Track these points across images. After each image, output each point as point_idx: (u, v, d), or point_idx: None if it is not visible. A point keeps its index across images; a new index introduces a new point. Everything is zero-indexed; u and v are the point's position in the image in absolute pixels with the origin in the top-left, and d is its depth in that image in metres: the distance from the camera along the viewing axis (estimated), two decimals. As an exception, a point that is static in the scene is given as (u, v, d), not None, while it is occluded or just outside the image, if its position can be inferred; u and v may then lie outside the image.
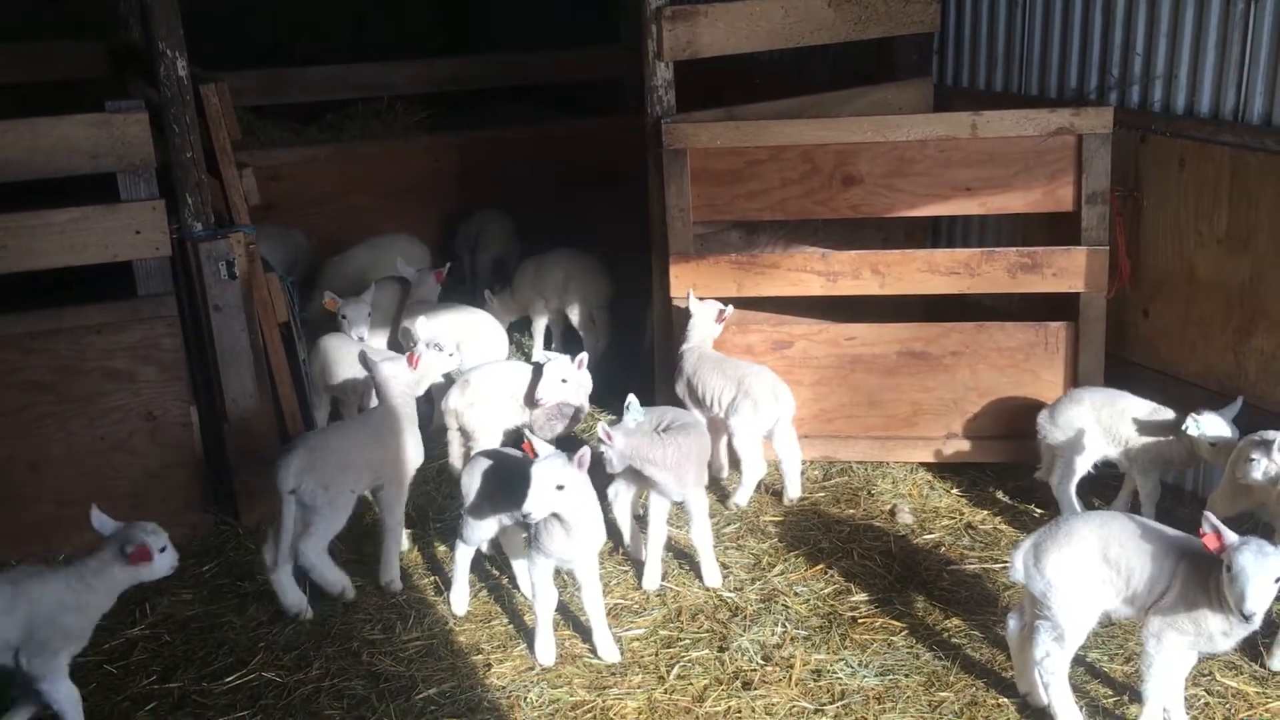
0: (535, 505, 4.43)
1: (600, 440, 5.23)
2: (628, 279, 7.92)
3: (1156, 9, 5.90)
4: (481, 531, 5.10)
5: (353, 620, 5.18)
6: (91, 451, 5.64)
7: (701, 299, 6.34)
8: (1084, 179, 6.04)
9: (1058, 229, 6.29)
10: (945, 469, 6.47)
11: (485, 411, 5.98)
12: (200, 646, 5.04)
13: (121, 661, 4.95)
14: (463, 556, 5.19)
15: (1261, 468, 4.76)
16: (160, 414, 5.73)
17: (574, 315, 8.08)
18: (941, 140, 6.18)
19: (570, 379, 5.95)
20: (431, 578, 5.56)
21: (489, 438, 5.95)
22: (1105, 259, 6.07)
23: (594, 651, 4.85)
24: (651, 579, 5.36)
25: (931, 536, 5.82)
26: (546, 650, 4.82)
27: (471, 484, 5.02)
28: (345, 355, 6.53)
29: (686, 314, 6.36)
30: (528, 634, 5.02)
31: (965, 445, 6.47)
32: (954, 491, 6.30)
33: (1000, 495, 6.23)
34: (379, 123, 10.07)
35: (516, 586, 5.40)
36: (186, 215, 5.66)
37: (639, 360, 7.60)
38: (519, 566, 5.31)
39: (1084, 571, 4.16)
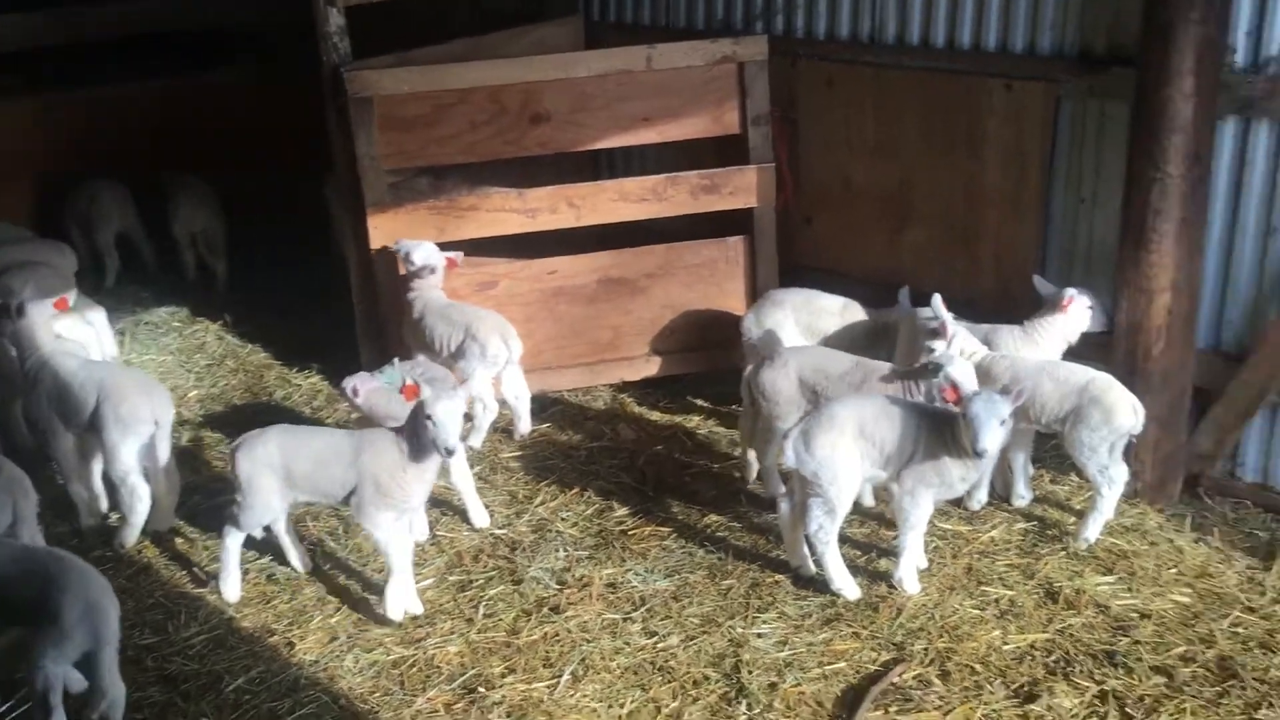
0: (455, 438, 4.41)
1: (345, 390, 5.18)
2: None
3: (794, -57, 6.51)
4: (267, 516, 4.85)
5: (115, 629, 4.76)
6: None
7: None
8: (747, 103, 6.60)
9: (723, 154, 6.80)
10: (649, 385, 6.91)
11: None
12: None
13: None
14: (235, 543, 4.92)
15: (939, 354, 5.43)
16: None
17: None
18: (619, 74, 6.49)
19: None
20: (179, 570, 5.21)
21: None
22: (773, 175, 6.69)
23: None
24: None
25: (659, 448, 6.23)
26: (396, 607, 4.75)
27: (253, 473, 4.74)
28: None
29: (407, 265, 6.23)
30: (314, 605, 4.89)
31: (665, 361, 6.94)
32: (662, 404, 6.75)
33: (702, 402, 6.75)
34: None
35: (282, 562, 5.18)
36: None
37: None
38: (380, 531, 4.77)
39: (846, 449, 4.71)
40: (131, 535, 5.36)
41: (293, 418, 6.65)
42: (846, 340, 6.06)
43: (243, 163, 9.09)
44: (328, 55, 6.28)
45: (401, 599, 4.75)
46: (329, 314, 7.84)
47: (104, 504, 5.63)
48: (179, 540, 5.45)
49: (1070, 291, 5.43)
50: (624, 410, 6.67)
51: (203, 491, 5.84)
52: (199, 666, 4.54)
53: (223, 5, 9.96)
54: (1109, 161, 5.56)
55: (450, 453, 4.45)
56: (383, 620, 4.76)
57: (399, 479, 4.59)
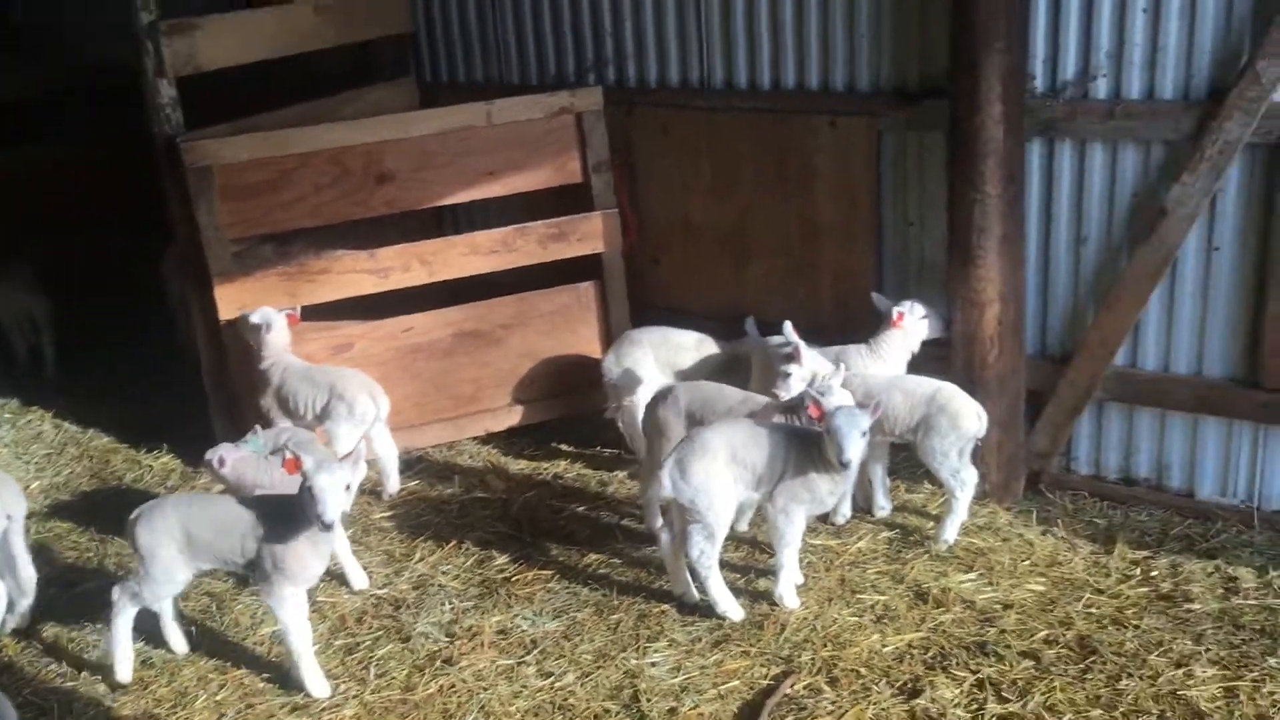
0: (334, 513, 4.29)
1: (211, 463, 5.10)
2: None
3: (616, -5, 6.74)
4: (171, 588, 4.69)
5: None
6: None
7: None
8: (588, 151, 6.79)
9: (562, 203, 6.96)
10: (513, 434, 6.97)
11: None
12: None
13: None
14: (126, 622, 4.75)
15: (797, 377, 5.65)
16: None
17: None
18: (461, 130, 6.60)
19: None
20: (45, 664, 4.99)
21: None
22: (617, 220, 6.88)
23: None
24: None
25: (530, 495, 6.29)
26: (318, 682, 4.66)
27: (155, 546, 4.59)
28: None
29: (249, 332, 6.16)
30: (195, 685, 4.77)
31: (527, 409, 7.02)
32: (527, 452, 6.82)
33: (566, 446, 6.86)
34: None
35: (156, 646, 5.02)
36: None
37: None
38: (283, 610, 4.63)
39: (720, 473, 4.89)
40: None
41: (147, 499, 6.42)
42: (704, 373, 6.27)
43: (63, 241, 8.80)
44: (159, 127, 6.19)
45: (318, 674, 4.69)
46: (171, 392, 7.65)
47: None
48: (43, 636, 5.21)
49: (901, 307, 5.78)
50: (491, 461, 6.71)
51: (58, 584, 5.60)
52: (81, 765, 4.36)
53: (30, 77, 9.63)
54: (930, 187, 5.95)
55: (327, 527, 4.32)
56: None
57: (295, 551, 4.51)
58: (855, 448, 4.67)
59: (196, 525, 4.63)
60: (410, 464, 6.65)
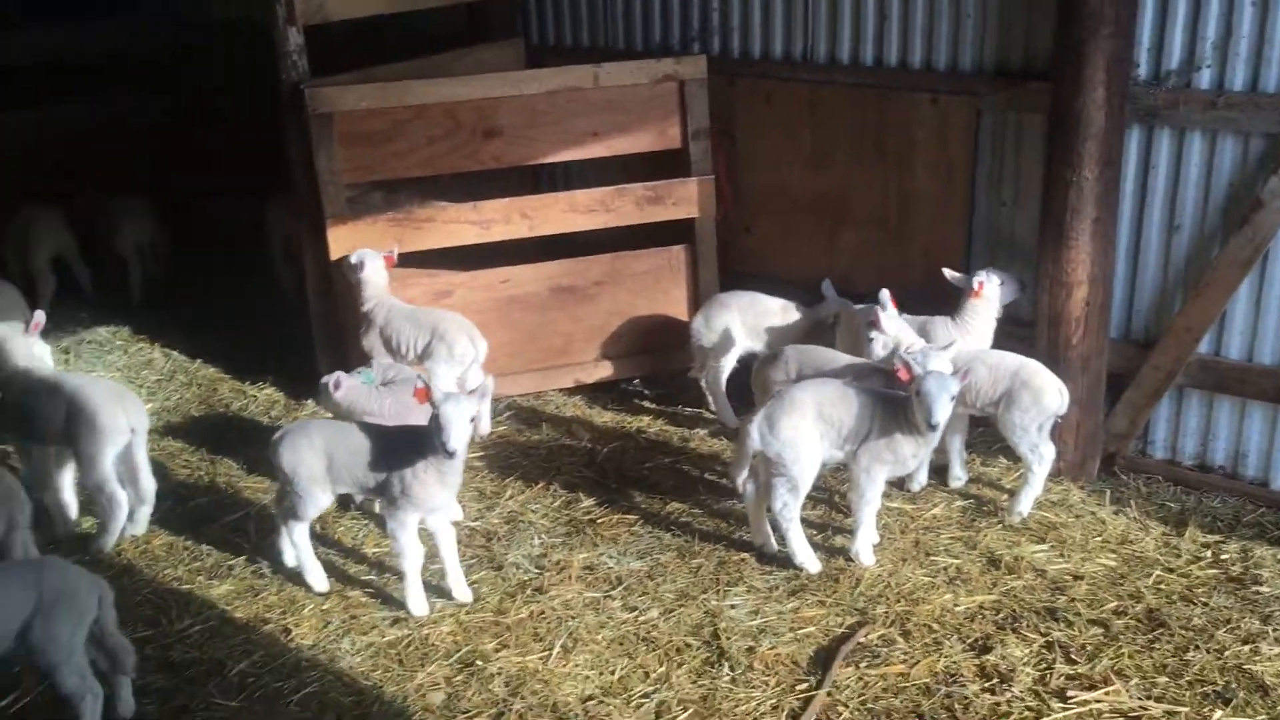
0: (460, 441, 4.50)
1: (327, 385, 5.37)
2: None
3: (728, -33, 6.93)
4: (314, 508, 4.98)
5: (108, 624, 4.88)
6: None
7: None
8: (689, 119, 6.98)
9: (656, 168, 7.16)
10: (599, 388, 7.21)
11: None
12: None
13: None
14: (303, 534, 5.05)
15: (880, 343, 5.88)
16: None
17: None
18: (569, 91, 6.83)
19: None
20: (162, 569, 5.33)
21: None
22: (712, 187, 7.08)
23: (450, 596, 5.03)
24: None
25: (615, 445, 6.53)
26: (420, 602, 4.92)
27: (297, 463, 4.89)
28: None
29: (349, 271, 6.44)
30: (304, 595, 5.08)
31: (613, 365, 7.26)
32: (610, 408, 7.05)
33: (649, 403, 7.08)
34: None
35: (267, 559, 5.35)
36: None
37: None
38: (403, 532, 4.92)
39: (808, 430, 5.09)
40: (109, 541, 5.45)
41: (251, 429, 6.79)
42: (789, 338, 6.46)
43: (173, 186, 9.22)
44: (287, 73, 6.48)
45: (421, 595, 4.96)
46: (272, 330, 7.99)
47: (74, 513, 5.70)
48: (156, 543, 5.56)
49: (978, 276, 5.92)
50: (577, 412, 6.96)
51: (171, 498, 5.95)
52: (199, 654, 4.69)
53: (144, 34, 10.04)
54: (1026, 168, 6.07)
55: (451, 454, 4.56)
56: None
57: (421, 478, 4.74)
58: (943, 411, 4.84)
59: (336, 448, 4.89)
60: (500, 409, 6.92)
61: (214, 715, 4.35)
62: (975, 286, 5.90)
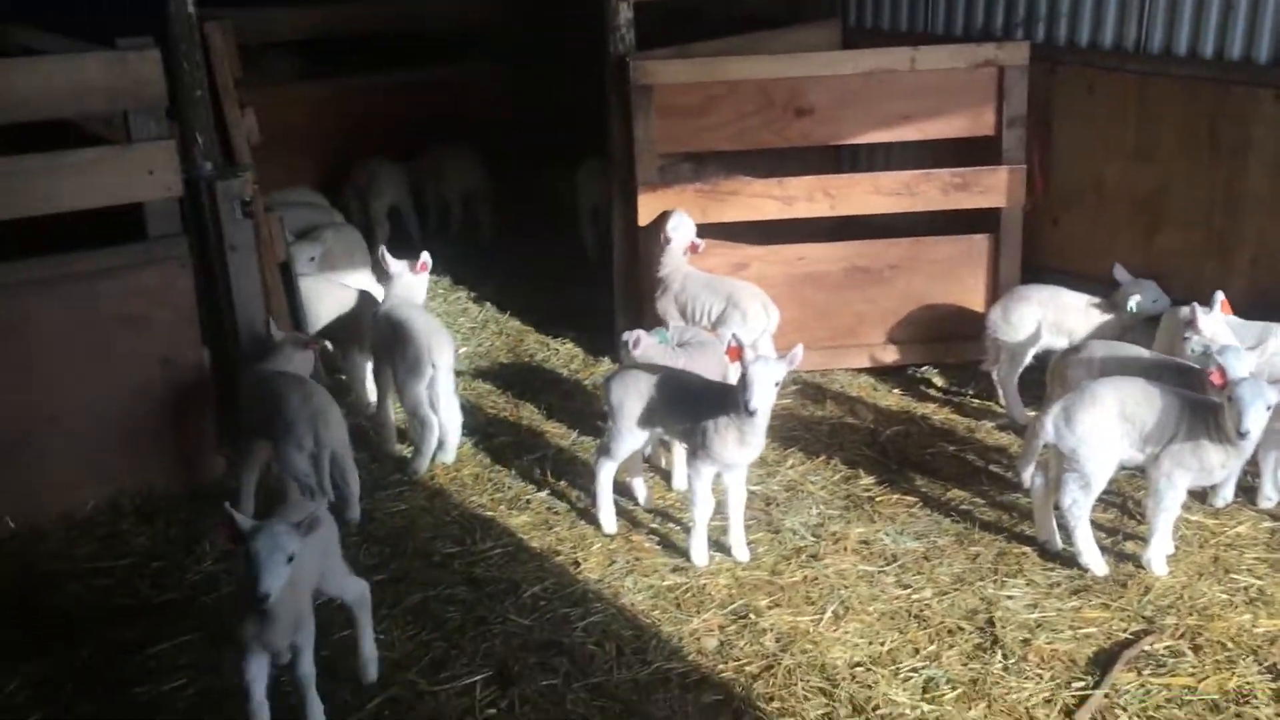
0: (762, 401, 4.69)
1: (627, 343, 5.64)
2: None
3: (1061, -46, 6.74)
4: (633, 443, 5.33)
5: (420, 539, 5.38)
6: (109, 400, 5.51)
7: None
8: (1005, 106, 6.85)
9: (961, 153, 7.05)
10: (884, 372, 7.21)
11: None
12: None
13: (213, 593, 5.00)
14: (608, 475, 5.39)
15: (1196, 344, 5.62)
16: (175, 358, 5.65)
17: None
18: (883, 73, 6.84)
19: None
20: (470, 495, 5.80)
21: None
22: (1023, 176, 6.92)
23: (729, 551, 5.22)
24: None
25: (899, 428, 6.53)
26: (701, 552, 5.16)
27: (623, 399, 5.24)
28: (323, 296, 6.59)
29: (656, 239, 6.73)
30: (594, 533, 5.42)
31: (902, 350, 7.23)
32: (895, 391, 7.04)
33: (936, 391, 7.02)
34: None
35: (560, 497, 5.72)
36: (197, 155, 5.58)
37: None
38: (681, 474, 5.45)
39: (1107, 427, 4.94)
40: (422, 464, 5.98)
41: (552, 378, 7.24)
42: (1089, 335, 6.24)
43: (486, 150, 9.87)
44: (614, 46, 6.82)
45: (703, 546, 5.16)
46: (576, 290, 8.43)
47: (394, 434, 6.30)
48: (464, 472, 6.05)
49: None
50: (862, 393, 7.00)
51: (479, 434, 6.44)
52: (498, 574, 5.09)
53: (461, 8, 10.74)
54: (1377, 174, 5.62)
55: (751, 412, 4.69)
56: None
57: (723, 434, 4.93)
58: (1257, 420, 4.59)
59: (654, 390, 5.18)
60: (785, 385, 7.02)
61: (509, 629, 4.72)
62: None
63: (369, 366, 6.53)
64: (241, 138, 5.82)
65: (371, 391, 6.54)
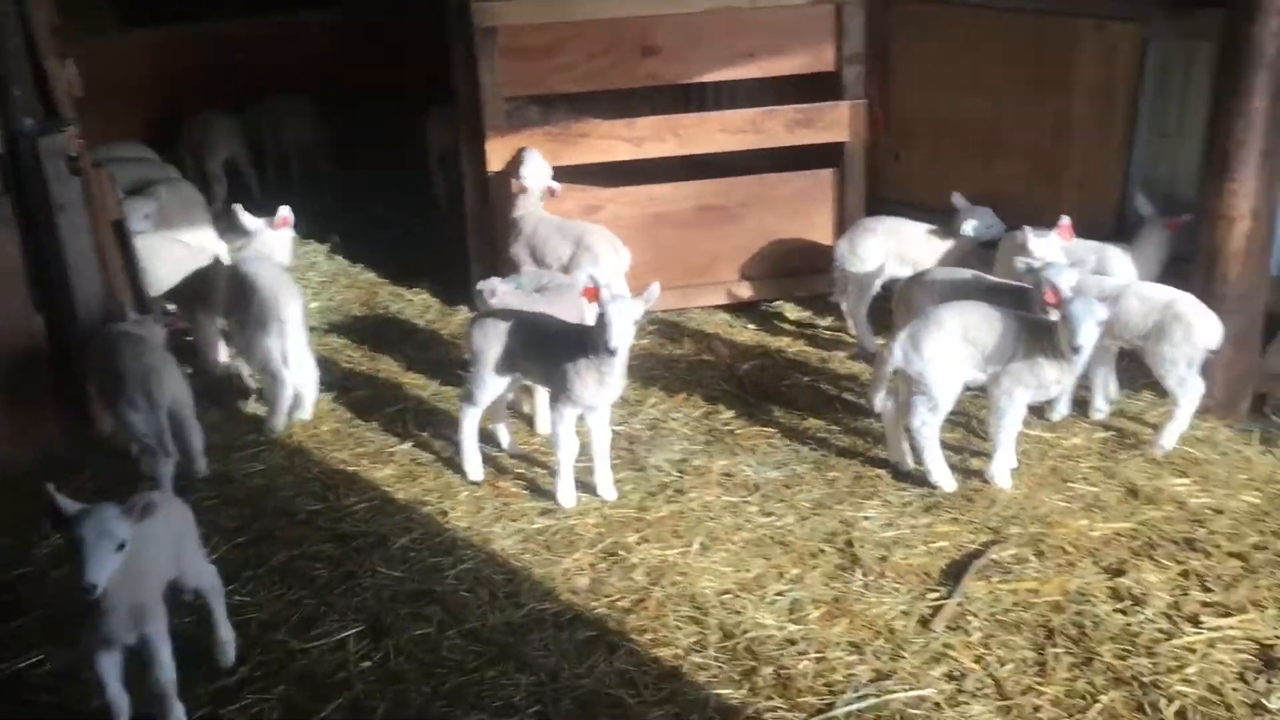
0: (621, 340, 4.70)
1: (484, 291, 5.62)
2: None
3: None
4: (493, 391, 5.30)
5: (281, 498, 5.28)
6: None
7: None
8: (844, 42, 7.00)
9: (806, 91, 7.18)
10: (738, 308, 7.35)
11: None
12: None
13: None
14: (472, 422, 5.34)
15: (1025, 266, 5.86)
16: (3, 323, 5.38)
17: None
18: (725, 10, 6.90)
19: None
20: (331, 451, 5.71)
21: None
22: (864, 111, 7.09)
23: (595, 491, 5.26)
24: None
25: (755, 362, 6.68)
26: (568, 494, 5.19)
27: (484, 345, 5.20)
28: (162, 255, 6.35)
29: (507, 184, 6.68)
30: (460, 483, 5.40)
31: (755, 286, 7.39)
32: (750, 326, 7.20)
33: (788, 325, 7.20)
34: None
35: (427, 449, 5.68)
36: (15, 109, 5.27)
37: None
38: (544, 418, 5.47)
39: (951, 350, 5.15)
40: (279, 421, 5.85)
41: (409, 329, 7.15)
42: (932, 264, 6.48)
43: (331, 98, 9.62)
44: (454, -12, 6.70)
45: (570, 488, 5.21)
46: (428, 239, 8.32)
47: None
48: (324, 429, 5.94)
49: (1185, 217, 5.86)
50: (718, 330, 7.12)
51: (335, 389, 6.33)
52: (365, 528, 5.04)
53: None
54: (1191, 100, 5.94)
55: (612, 352, 4.71)
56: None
57: (582, 377, 4.95)
58: (1089, 335, 4.85)
59: (514, 335, 5.17)
60: (641, 326, 7.09)
61: (379, 581, 4.69)
62: (1167, 224, 5.89)
63: (219, 324, 6.34)
64: (63, 90, 5.52)
65: (224, 351, 6.36)
